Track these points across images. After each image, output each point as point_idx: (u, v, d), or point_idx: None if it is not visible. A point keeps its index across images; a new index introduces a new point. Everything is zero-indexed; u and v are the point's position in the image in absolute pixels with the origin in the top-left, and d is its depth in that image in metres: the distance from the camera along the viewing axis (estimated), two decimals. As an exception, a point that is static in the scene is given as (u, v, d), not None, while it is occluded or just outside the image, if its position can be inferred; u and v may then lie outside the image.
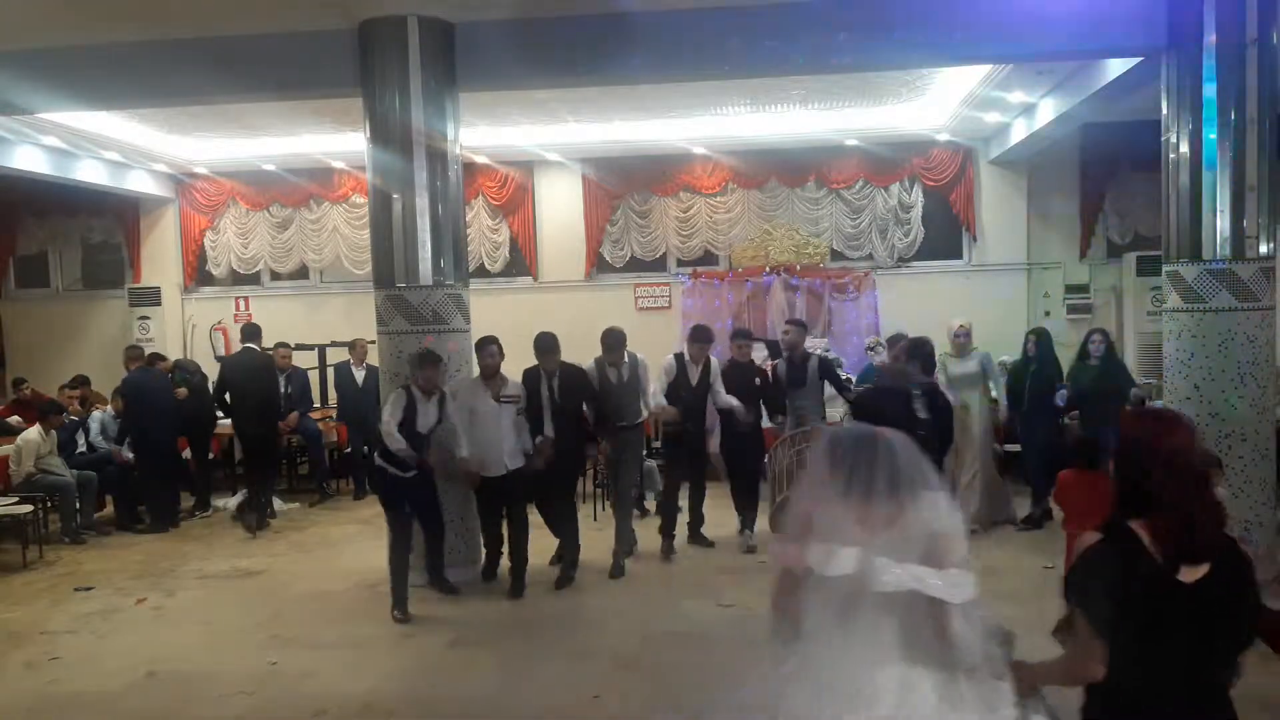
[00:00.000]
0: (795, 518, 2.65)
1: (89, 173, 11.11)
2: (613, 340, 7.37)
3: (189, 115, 9.87)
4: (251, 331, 9.53)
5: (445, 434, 6.60)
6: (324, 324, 11.74)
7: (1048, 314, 11.57)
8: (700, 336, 7.65)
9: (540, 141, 11.18)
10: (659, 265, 12.32)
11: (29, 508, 8.08)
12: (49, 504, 8.69)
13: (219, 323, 12.70)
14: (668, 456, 8.09)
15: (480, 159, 11.72)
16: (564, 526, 7.17)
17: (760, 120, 10.56)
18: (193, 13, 6.93)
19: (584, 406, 7.20)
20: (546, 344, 7.01)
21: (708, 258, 12.24)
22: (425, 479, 6.51)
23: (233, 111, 9.58)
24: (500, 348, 6.84)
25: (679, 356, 7.68)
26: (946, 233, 11.94)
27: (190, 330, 12.64)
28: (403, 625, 6.21)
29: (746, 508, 7.91)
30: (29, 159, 10.22)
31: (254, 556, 7.86)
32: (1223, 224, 6.52)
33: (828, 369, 8.15)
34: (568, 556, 7.12)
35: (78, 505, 8.79)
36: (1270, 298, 6.60)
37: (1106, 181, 11.51)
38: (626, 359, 7.43)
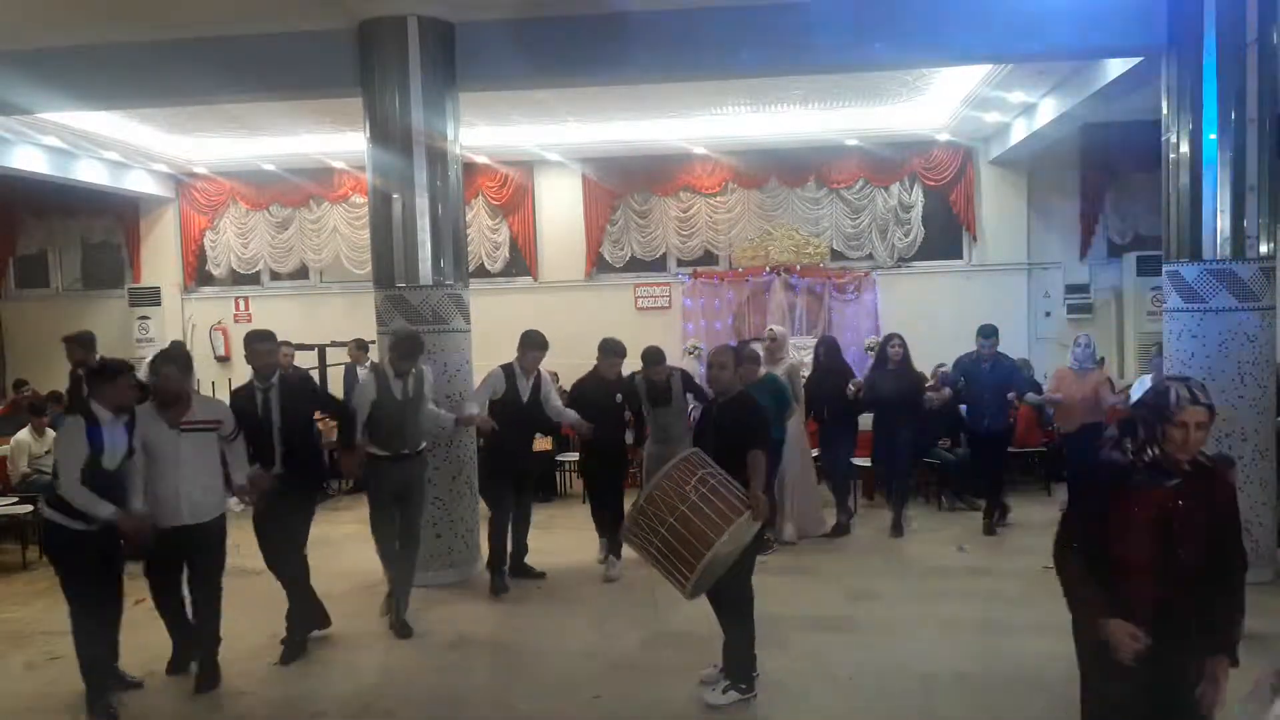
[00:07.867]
0: None
1: (89, 173, 11.12)
2: (400, 342, 6.14)
3: (189, 115, 9.89)
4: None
5: (129, 473, 4.91)
6: (324, 324, 11.74)
7: (1048, 314, 11.59)
8: (533, 343, 6.74)
9: (540, 141, 11.19)
10: (659, 265, 12.33)
11: (29, 508, 8.07)
12: (48, 504, 8.67)
13: (219, 323, 12.72)
14: (493, 475, 6.96)
15: (480, 159, 11.72)
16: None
17: (760, 120, 10.57)
18: (193, 13, 6.94)
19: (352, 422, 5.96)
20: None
21: (708, 258, 12.25)
22: (111, 534, 4.83)
23: (233, 111, 9.59)
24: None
25: (507, 368, 6.74)
26: (946, 233, 11.96)
27: (190, 330, 12.64)
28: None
29: (611, 532, 7.08)
30: (29, 159, 10.23)
31: (254, 557, 7.84)
32: (1223, 224, 6.53)
33: (690, 383, 7.52)
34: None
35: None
36: (1270, 298, 6.60)
37: (1106, 181, 11.53)
38: (413, 370, 6.14)
